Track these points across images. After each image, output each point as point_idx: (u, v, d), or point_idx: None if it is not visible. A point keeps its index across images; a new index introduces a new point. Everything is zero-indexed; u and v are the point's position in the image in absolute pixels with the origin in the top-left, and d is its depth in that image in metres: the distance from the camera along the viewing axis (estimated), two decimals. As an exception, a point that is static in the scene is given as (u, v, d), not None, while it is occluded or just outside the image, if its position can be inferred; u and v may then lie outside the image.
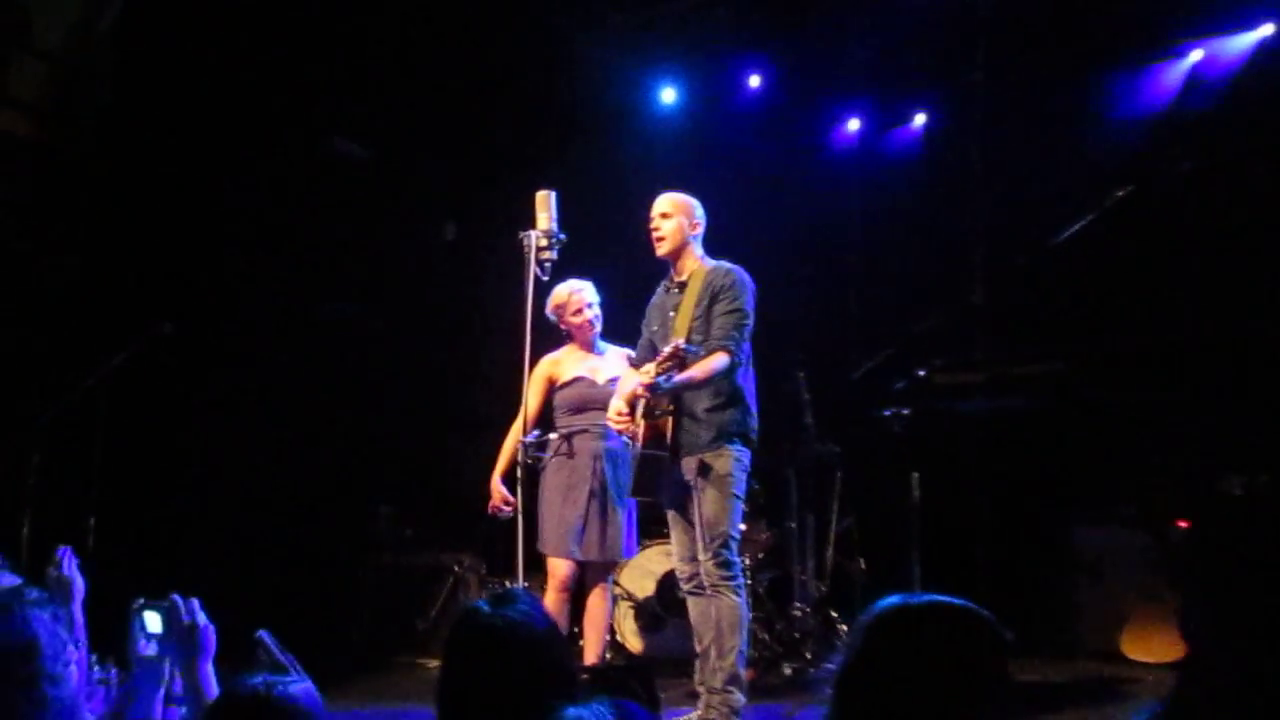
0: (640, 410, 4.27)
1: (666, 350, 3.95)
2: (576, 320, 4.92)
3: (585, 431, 4.79)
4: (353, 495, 6.85)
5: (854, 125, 7.12)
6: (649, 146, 7.15)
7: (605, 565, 4.82)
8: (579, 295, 4.91)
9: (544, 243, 4.23)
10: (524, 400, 4.58)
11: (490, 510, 4.82)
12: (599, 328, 4.97)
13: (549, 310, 4.83)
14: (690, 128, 7.22)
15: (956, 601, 1.68)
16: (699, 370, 4.13)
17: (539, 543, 4.72)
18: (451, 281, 7.52)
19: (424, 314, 7.46)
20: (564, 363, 4.96)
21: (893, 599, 1.69)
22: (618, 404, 4.30)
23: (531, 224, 4.25)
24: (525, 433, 4.48)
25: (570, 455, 4.73)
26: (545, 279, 4.24)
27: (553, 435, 4.55)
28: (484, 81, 7.18)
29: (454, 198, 7.59)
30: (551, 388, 4.90)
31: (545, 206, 4.28)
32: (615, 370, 4.93)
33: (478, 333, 7.27)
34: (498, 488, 4.79)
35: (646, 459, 4.23)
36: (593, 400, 4.84)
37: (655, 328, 4.52)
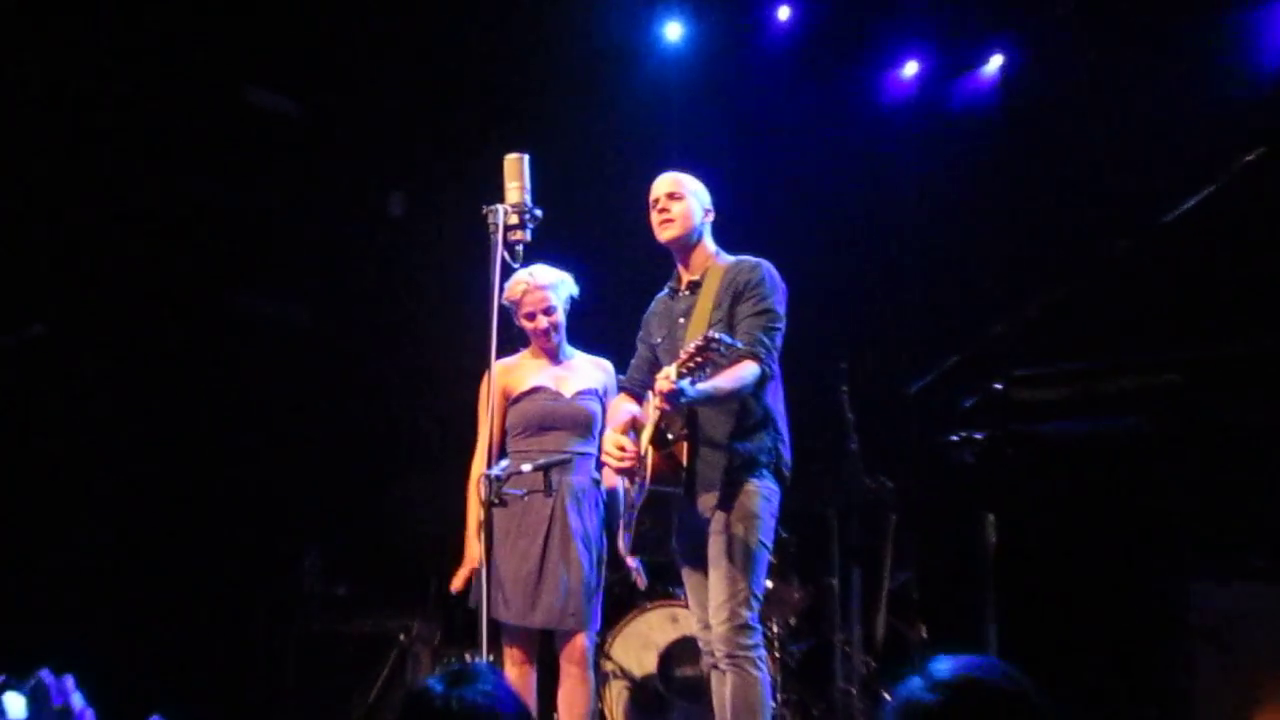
0: (648, 436, 4.29)
1: (693, 344, 3.96)
2: (530, 326, 4.98)
3: (565, 462, 4.83)
4: (271, 540, 6.88)
5: (911, 70, 7.12)
6: (648, 99, 7.21)
7: (575, 634, 4.84)
8: (540, 294, 4.94)
9: (514, 220, 4.20)
10: (481, 422, 4.58)
11: (466, 577, 4.82)
12: (562, 336, 5.02)
13: (504, 299, 4.86)
14: (701, 75, 7.27)
15: (1010, 680, 1.69)
16: (727, 379, 4.16)
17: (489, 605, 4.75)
18: (398, 268, 7.58)
19: (364, 309, 7.51)
20: (518, 370, 4.99)
21: (929, 677, 1.70)
22: (616, 437, 4.34)
23: (499, 196, 4.25)
24: (489, 463, 4.50)
25: (547, 492, 4.74)
26: (516, 266, 4.23)
27: (526, 467, 4.57)
28: (439, 16, 7.24)
29: (401, 162, 7.64)
30: (505, 402, 4.94)
31: (516, 174, 4.26)
32: (588, 381, 4.96)
33: (432, 334, 7.32)
34: (475, 548, 4.79)
35: (655, 500, 4.26)
36: (557, 418, 4.88)
37: (659, 340, 4.58)
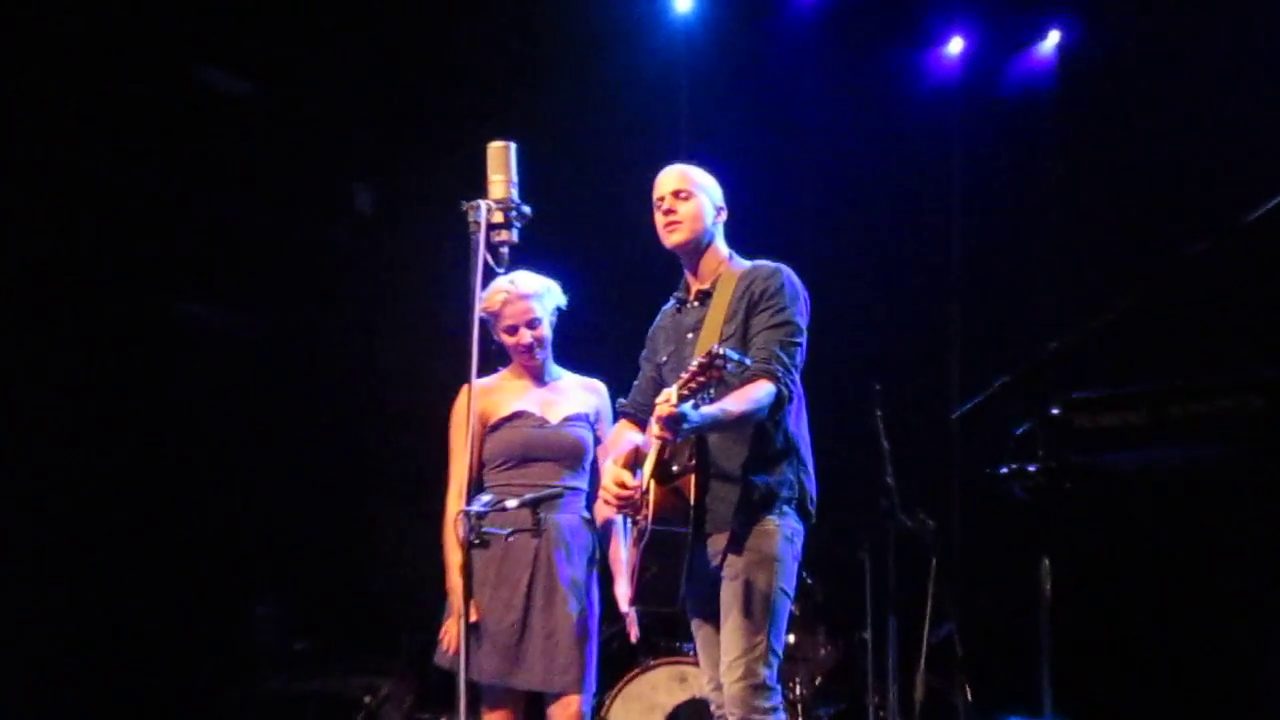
0: (649, 468, 4.28)
1: (696, 361, 3.95)
2: (511, 341, 4.98)
3: (555, 496, 4.82)
4: (219, 587, 6.86)
5: (956, 48, 7.14)
6: (653, 80, 7.23)
7: (567, 697, 4.82)
8: (523, 304, 4.95)
9: (499, 217, 4.19)
10: (456, 451, 4.59)
11: (459, 632, 4.74)
12: (548, 354, 5.02)
13: (482, 310, 4.89)
14: (714, 53, 7.29)
15: None
16: (737, 402, 4.15)
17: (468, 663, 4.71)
18: (365, 273, 7.60)
19: (325, 320, 7.53)
20: (498, 393, 5.00)
21: None
22: (615, 470, 4.32)
23: (481, 191, 4.23)
24: (468, 499, 4.49)
25: (536, 532, 4.72)
26: (500, 270, 4.21)
27: (512, 503, 4.55)
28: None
29: (370, 152, 7.65)
30: (483, 429, 4.93)
31: (501, 165, 4.25)
32: (577, 405, 4.97)
33: (403, 349, 7.34)
34: (454, 597, 4.78)
35: (658, 543, 4.24)
36: (542, 447, 4.88)
37: (664, 358, 4.58)
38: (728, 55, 7.25)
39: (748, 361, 4.05)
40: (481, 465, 4.92)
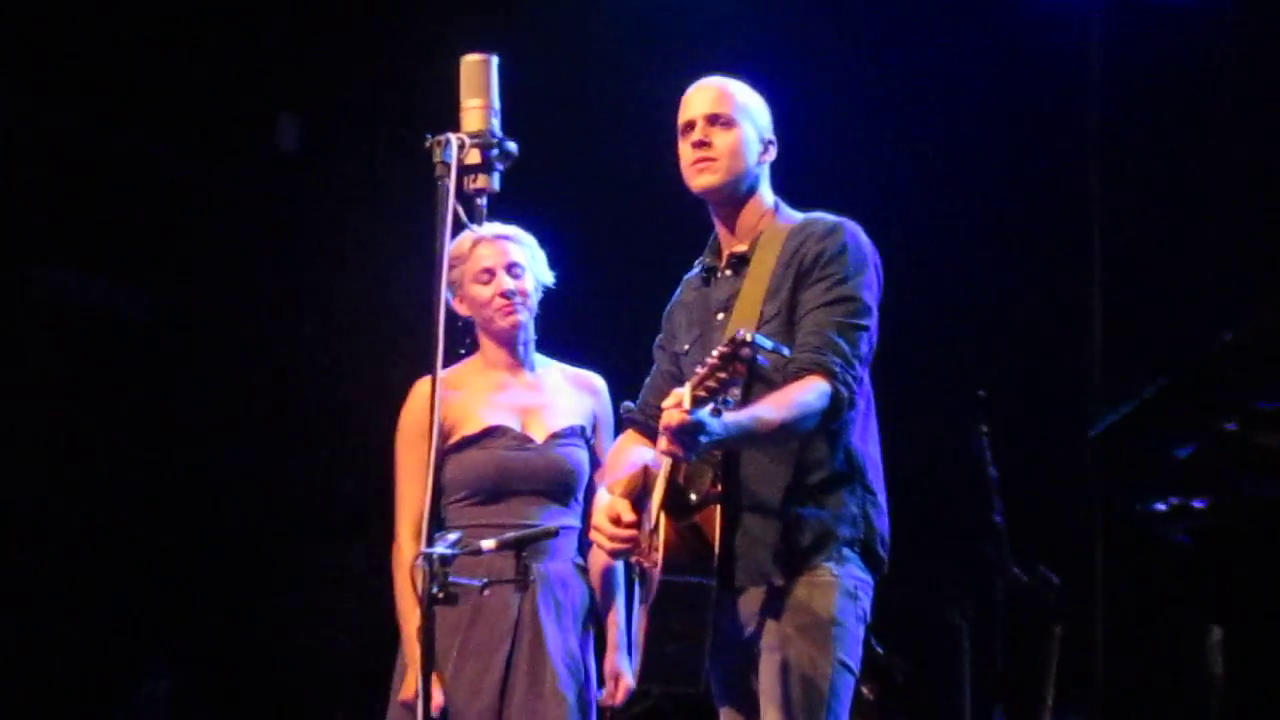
0: (659, 498, 4.22)
1: (717, 350, 3.86)
2: (483, 294, 4.95)
3: (541, 536, 4.77)
4: (97, 659, 6.87)
5: None
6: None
7: None
8: (500, 244, 4.95)
9: (474, 157, 4.19)
10: (406, 474, 4.67)
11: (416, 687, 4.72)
12: (530, 334, 5.02)
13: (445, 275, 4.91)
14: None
15: None
16: (777, 406, 4.08)
17: None
18: (286, 230, 7.61)
19: (233, 292, 7.53)
20: (464, 396, 4.97)
21: None
22: (611, 502, 4.29)
23: (450, 121, 4.23)
24: (427, 539, 4.42)
25: (522, 583, 4.75)
26: (474, 228, 4.24)
27: (488, 544, 4.49)
28: None
29: (296, 68, 7.64)
30: (445, 445, 4.90)
31: (478, 86, 4.25)
32: (569, 413, 4.97)
33: (339, 332, 7.37)
34: (414, 671, 4.63)
35: (672, 599, 4.19)
36: (523, 476, 4.88)
37: (686, 346, 4.52)
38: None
39: (786, 351, 4.03)
40: (437, 497, 4.90)
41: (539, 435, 4.89)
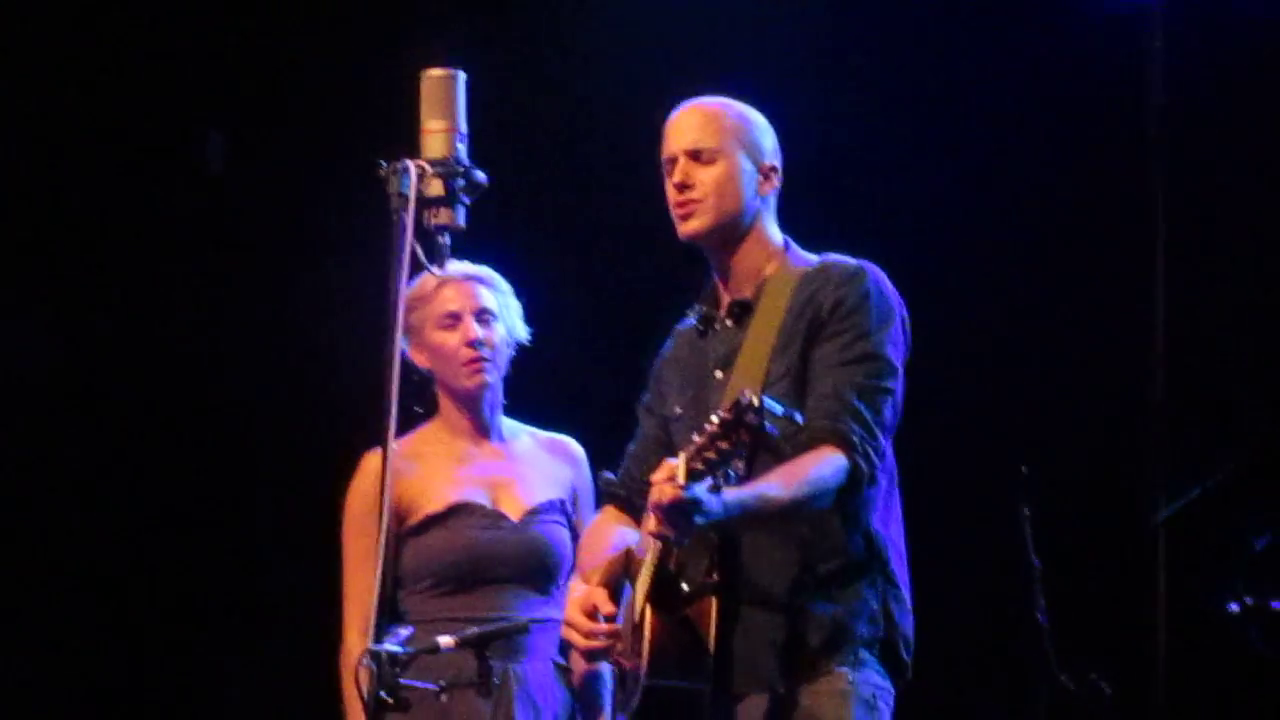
0: (644, 587, 4.23)
1: (717, 416, 3.89)
2: (447, 342, 4.99)
3: (514, 633, 4.84)
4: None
5: None
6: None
7: None
8: (467, 287, 5.00)
9: (436, 188, 4.23)
10: (353, 560, 4.74)
11: None
12: (499, 393, 5.07)
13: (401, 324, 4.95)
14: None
15: None
16: (786, 481, 4.10)
17: None
18: (212, 261, 7.61)
19: (147, 336, 7.53)
20: (423, 469, 5.01)
21: None
22: (587, 593, 4.32)
23: (409, 145, 4.28)
24: (375, 635, 4.48)
25: (484, 688, 4.75)
26: (437, 271, 4.28)
27: (445, 640, 4.52)
28: None
29: (225, 81, 7.66)
30: (399, 528, 4.92)
31: (441, 106, 4.29)
32: (546, 487, 5.01)
33: (272, 389, 7.39)
34: None
35: (659, 705, 4.21)
36: (497, 560, 4.92)
37: (678, 409, 4.53)
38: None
39: (799, 418, 4.01)
40: (395, 585, 4.90)
41: (513, 512, 4.93)
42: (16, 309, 7.38)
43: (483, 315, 4.99)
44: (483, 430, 5.08)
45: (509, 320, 5.05)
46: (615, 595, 4.30)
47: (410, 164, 4.18)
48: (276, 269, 7.38)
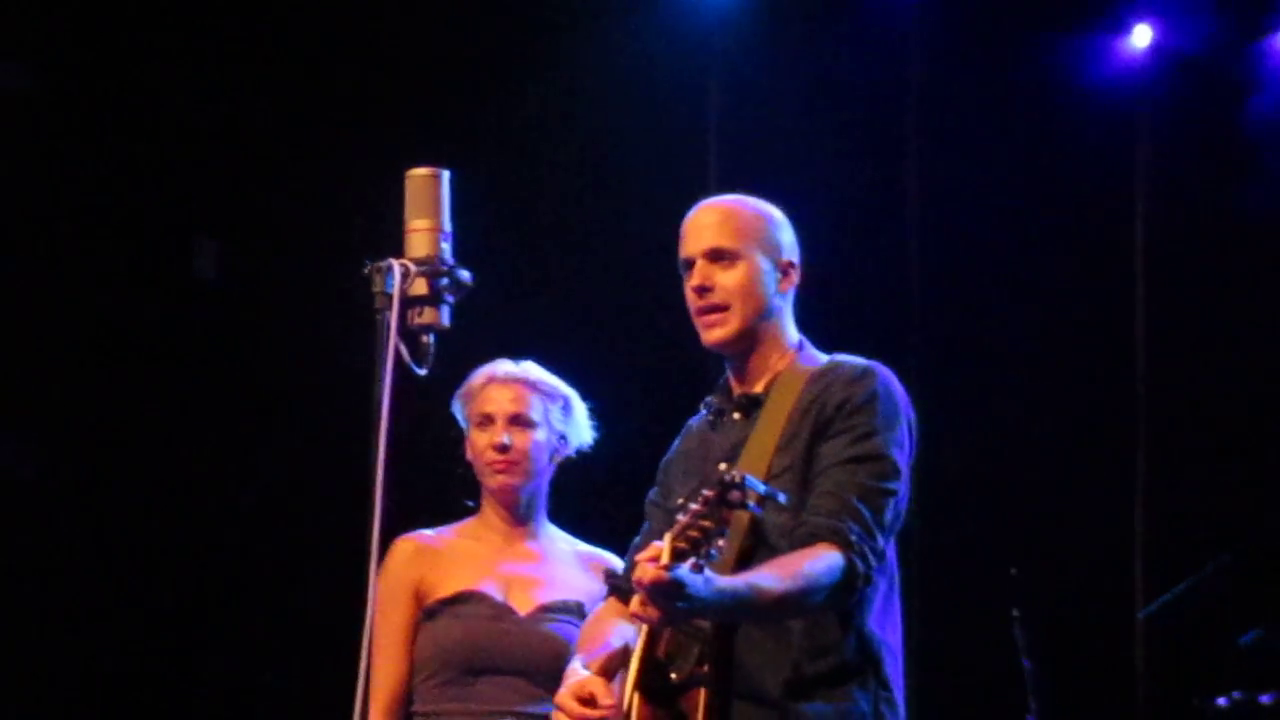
0: (631, 675, 4.22)
1: (704, 492, 3.88)
2: (479, 442, 4.99)
3: None
4: None
5: (1143, 39, 7.36)
6: (671, 62, 7.39)
7: None
8: (513, 390, 5.00)
9: (420, 288, 4.26)
10: (383, 645, 4.62)
11: None
12: (538, 497, 5.06)
13: (457, 400, 4.96)
14: (766, 34, 7.48)
15: None
16: (779, 574, 4.07)
17: None
18: (204, 370, 7.61)
19: (140, 449, 7.53)
20: (446, 555, 5.02)
21: None
22: (582, 680, 4.28)
23: (394, 246, 4.30)
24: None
25: None
26: (421, 373, 4.27)
27: None
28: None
29: (216, 186, 7.70)
30: (418, 612, 4.94)
31: (427, 205, 4.32)
32: (566, 588, 4.99)
33: (267, 497, 7.40)
34: None
35: None
36: (498, 651, 4.89)
37: (681, 499, 4.31)
38: (778, 41, 7.48)
39: (781, 498, 4.01)
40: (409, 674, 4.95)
41: (522, 607, 4.92)
42: (7, 414, 7.42)
43: (517, 420, 4.97)
44: (517, 530, 5.06)
45: (557, 425, 5.03)
46: (610, 685, 4.25)
47: (395, 263, 4.19)
48: (266, 384, 7.44)
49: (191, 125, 7.63)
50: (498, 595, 4.96)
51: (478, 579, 4.98)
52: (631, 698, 4.20)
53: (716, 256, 4.40)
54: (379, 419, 4.12)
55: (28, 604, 7.32)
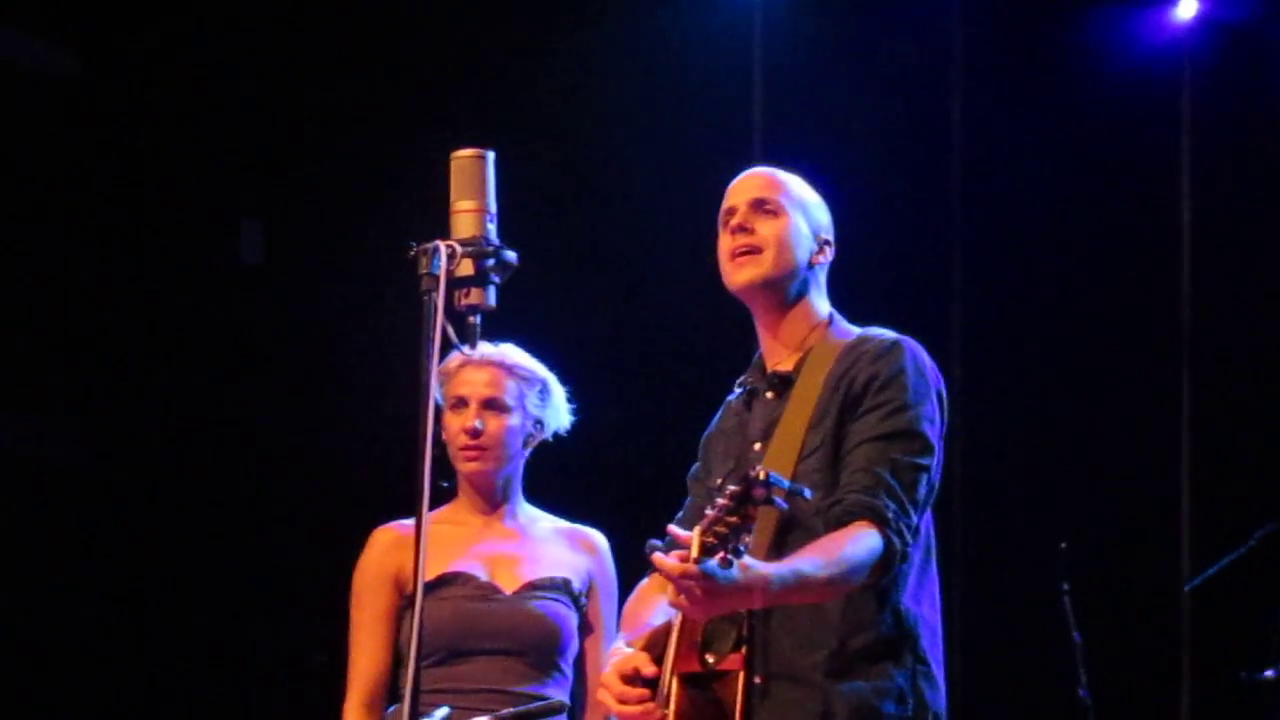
0: (669, 660, 4.21)
1: (730, 489, 3.86)
2: (451, 425, 4.95)
3: (552, 713, 4.81)
4: None
5: (1188, 10, 7.37)
6: (712, 59, 7.40)
7: None
8: (486, 372, 4.95)
9: (466, 268, 4.24)
10: (361, 636, 4.72)
11: None
12: (511, 480, 5.03)
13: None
14: (810, 13, 7.50)
15: None
16: (816, 558, 4.06)
17: None
18: (248, 353, 7.66)
19: (181, 435, 7.58)
20: (429, 541, 4.88)
21: None
22: (627, 657, 4.26)
23: (438, 227, 4.28)
24: (378, 708, 4.56)
25: None
26: (468, 351, 4.31)
27: (440, 714, 4.57)
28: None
29: (261, 169, 7.74)
30: (398, 599, 4.93)
31: (472, 186, 4.29)
32: (550, 565, 4.97)
33: (308, 477, 7.42)
34: None
35: None
36: (483, 631, 4.87)
37: (720, 480, 4.44)
38: (824, 21, 7.46)
39: (807, 494, 3.99)
40: (397, 662, 4.93)
41: (508, 586, 4.88)
42: (53, 399, 7.48)
43: (491, 404, 4.94)
44: (494, 512, 5.02)
45: (533, 407, 5.00)
46: (658, 663, 4.22)
47: (440, 244, 4.17)
48: (305, 361, 7.47)
49: (237, 111, 7.65)
50: (482, 575, 4.93)
51: (459, 560, 4.95)
52: (670, 682, 4.19)
53: (760, 205, 4.39)
54: (426, 399, 4.09)
55: (87, 588, 7.39)
